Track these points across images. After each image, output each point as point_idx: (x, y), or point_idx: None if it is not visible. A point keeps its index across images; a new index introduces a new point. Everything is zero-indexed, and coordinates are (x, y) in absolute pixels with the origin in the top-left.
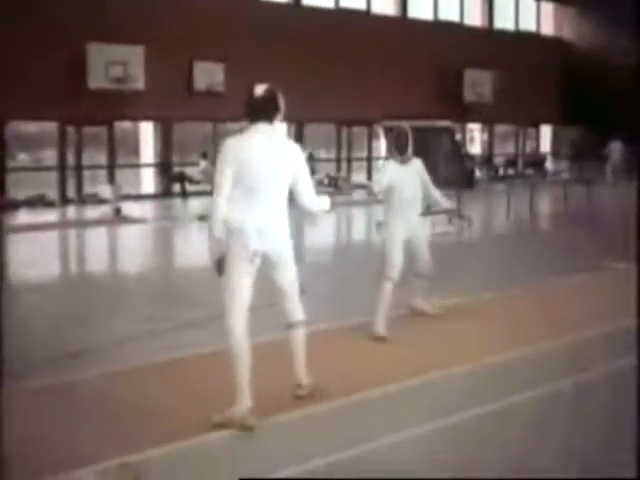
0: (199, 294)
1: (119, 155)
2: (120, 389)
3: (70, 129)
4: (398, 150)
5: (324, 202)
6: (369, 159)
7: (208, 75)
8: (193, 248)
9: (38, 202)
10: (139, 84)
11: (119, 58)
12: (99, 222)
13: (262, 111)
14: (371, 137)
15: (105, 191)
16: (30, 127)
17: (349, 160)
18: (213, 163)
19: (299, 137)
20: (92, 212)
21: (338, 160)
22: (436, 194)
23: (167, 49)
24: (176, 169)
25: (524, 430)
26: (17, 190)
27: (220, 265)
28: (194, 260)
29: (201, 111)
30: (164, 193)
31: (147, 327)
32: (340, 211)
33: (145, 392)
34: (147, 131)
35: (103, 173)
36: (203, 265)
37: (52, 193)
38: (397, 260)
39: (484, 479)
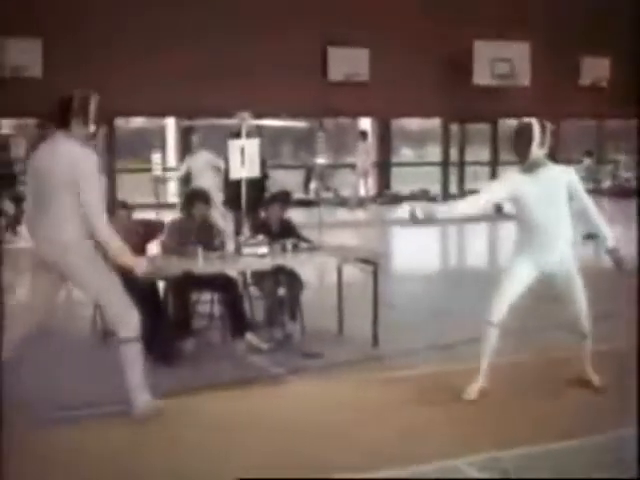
0: None
1: (502, 151)
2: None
3: (453, 125)
4: (516, 153)
5: None
6: None
7: (595, 70)
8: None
9: (421, 197)
10: (524, 80)
11: (504, 55)
12: (479, 218)
13: None
14: None
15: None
16: (413, 123)
17: None
18: (598, 162)
19: None
20: None
21: None
22: (594, 217)
23: (553, 44)
24: None
25: None
26: (401, 184)
27: None
28: None
29: (586, 107)
30: None
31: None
32: None
33: None
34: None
35: (485, 170)
36: None
37: (434, 188)
38: (501, 300)
39: None
